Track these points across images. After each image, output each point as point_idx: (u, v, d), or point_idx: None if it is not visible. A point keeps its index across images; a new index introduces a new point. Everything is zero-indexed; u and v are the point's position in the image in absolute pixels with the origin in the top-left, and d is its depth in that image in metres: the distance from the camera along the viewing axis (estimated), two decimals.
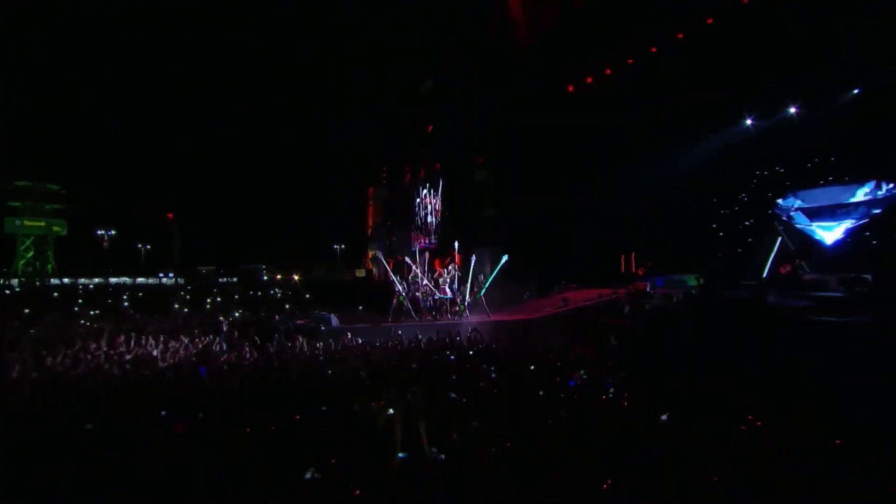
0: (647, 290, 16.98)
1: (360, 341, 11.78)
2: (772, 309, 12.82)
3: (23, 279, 48.51)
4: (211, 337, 12.58)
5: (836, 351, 9.63)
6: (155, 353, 10.14)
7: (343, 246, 68.33)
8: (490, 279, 16.44)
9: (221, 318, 17.12)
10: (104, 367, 8.30)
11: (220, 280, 65.96)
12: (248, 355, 10.22)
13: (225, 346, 11.41)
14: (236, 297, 30.21)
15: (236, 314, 18.01)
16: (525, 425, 5.88)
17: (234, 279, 69.39)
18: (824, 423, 6.24)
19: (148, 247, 65.57)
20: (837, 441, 5.49)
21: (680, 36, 19.47)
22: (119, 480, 4.04)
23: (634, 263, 23.63)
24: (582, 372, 8.16)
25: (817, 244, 23.50)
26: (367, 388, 7.35)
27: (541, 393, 7.47)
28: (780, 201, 25.38)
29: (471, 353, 9.54)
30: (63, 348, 10.10)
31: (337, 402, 6.73)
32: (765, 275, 23.73)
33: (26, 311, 19.00)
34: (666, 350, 12.25)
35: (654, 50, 20.80)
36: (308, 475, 4.27)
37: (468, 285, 15.85)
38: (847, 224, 22.71)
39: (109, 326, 14.32)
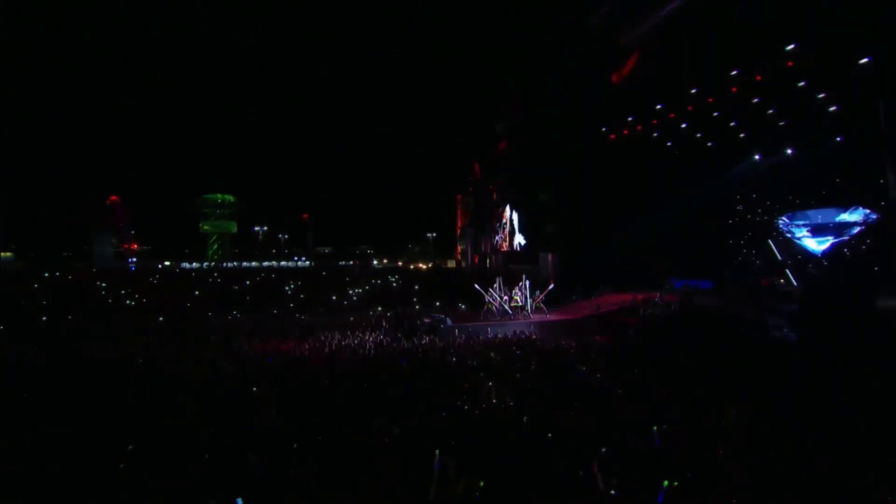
0: (657, 299, 21.04)
1: (464, 337, 17.21)
2: (733, 317, 16.76)
3: (212, 264, 59.71)
4: (376, 333, 18.55)
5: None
6: (355, 341, 16.27)
7: (434, 234, 75.30)
8: (546, 291, 21.18)
9: (371, 312, 23.36)
10: (346, 352, 14.41)
11: (340, 263, 74.85)
12: (402, 345, 15.98)
13: (386, 340, 17.21)
14: (367, 287, 36.32)
15: (379, 308, 24.18)
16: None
17: (351, 262, 78.02)
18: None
19: (286, 236, 76.35)
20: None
21: (688, 109, 22.74)
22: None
23: (658, 272, 27.41)
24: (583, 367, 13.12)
25: (808, 254, 26.33)
26: (473, 371, 12.87)
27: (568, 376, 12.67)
28: (784, 217, 28.00)
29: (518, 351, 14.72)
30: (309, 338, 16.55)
31: (455, 377, 12.29)
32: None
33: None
34: (660, 342, 16.71)
35: (672, 115, 24.18)
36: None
37: (529, 297, 20.76)
38: (832, 238, 25.47)
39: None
